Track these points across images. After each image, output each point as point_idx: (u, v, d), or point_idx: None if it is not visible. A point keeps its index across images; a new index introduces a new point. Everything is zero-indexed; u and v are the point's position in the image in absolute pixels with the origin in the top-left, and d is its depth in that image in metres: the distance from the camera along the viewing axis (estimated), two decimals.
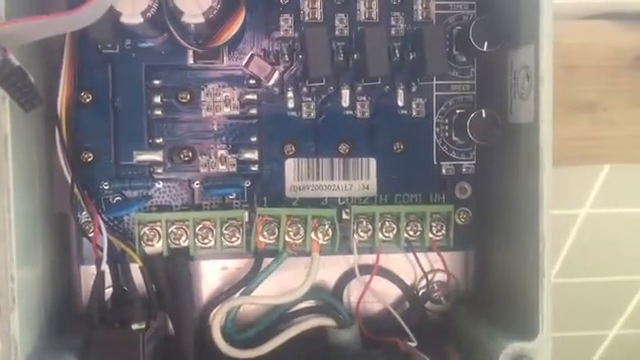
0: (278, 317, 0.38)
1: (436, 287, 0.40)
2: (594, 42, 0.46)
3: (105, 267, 0.34)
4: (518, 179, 0.34)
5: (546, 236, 0.32)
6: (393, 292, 0.40)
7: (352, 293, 0.40)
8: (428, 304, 0.40)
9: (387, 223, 0.37)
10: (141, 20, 0.31)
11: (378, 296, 0.39)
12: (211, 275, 0.39)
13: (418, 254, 0.38)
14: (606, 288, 0.62)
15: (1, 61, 0.27)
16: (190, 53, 0.36)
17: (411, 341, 0.35)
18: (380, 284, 0.39)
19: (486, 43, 0.34)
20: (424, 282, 0.40)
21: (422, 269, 0.39)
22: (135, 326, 0.33)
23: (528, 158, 0.32)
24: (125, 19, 0.31)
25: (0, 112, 0.29)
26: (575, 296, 0.61)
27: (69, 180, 0.34)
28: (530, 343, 0.32)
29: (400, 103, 0.38)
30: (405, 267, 0.40)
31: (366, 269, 0.38)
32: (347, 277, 0.39)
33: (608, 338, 0.66)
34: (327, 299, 0.38)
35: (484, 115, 0.34)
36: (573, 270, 0.60)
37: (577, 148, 0.47)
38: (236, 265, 0.39)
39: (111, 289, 0.36)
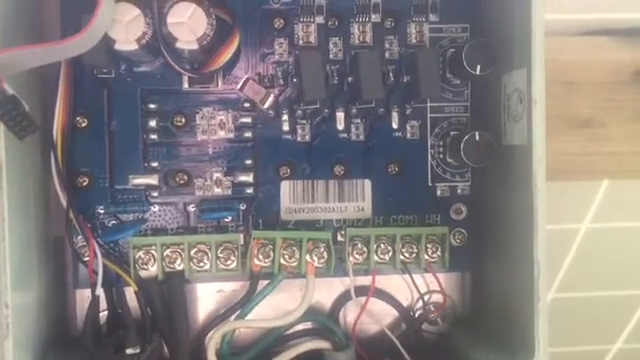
0: (274, 340, 0.38)
1: (432, 308, 0.40)
2: (592, 58, 0.46)
3: (100, 291, 0.34)
4: (512, 200, 0.34)
5: (541, 261, 0.32)
6: (389, 313, 0.40)
7: (348, 315, 0.40)
8: (425, 325, 0.40)
9: (382, 245, 0.37)
10: (136, 47, 0.31)
11: (374, 317, 0.39)
12: (207, 298, 0.39)
13: (414, 275, 0.38)
14: (608, 302, 0.62)
15: None
16: (185, 77, 0.37)
17: None
18: (376, 306, 0.39)
19: (479, 66, 0.34)
20: (420, 303, 0.40)
21: (418, 290, 0.39)
22: (129, 351, 0.33)
23: (522, 180, 0.32)
24: (120, 46, 0.31)
25: None
26: (577, 311, 0.60)
27: (65, 205, 0.34)
28: None
29: (394, 125, 0.38)
30: (401, 288, 0.40)
31: (362, 291, 0.38)
32: (343, 299, 0.39)
33: (611, 353, 0.65)
34: (323, 321, 0.38)
35: (478, 138, 0.35)
36: (574, 285, 0.59)
37: (576, 163, 0.47)
38: (232, 288, 0.39)
39: (106, 313, 0.36)
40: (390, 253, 0.37)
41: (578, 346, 0.63)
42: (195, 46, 0.31)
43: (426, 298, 0.40)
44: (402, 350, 0.36)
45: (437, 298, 0.40)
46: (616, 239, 0.59)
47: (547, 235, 0.31)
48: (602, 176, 0.53)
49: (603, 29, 0.48)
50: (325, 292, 0.39)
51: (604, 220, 0.57)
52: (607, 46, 0.47)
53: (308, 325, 0.39)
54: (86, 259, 0.35)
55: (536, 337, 0.31)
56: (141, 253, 0.35)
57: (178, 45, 0.31)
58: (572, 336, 0.61)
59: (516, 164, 0.33)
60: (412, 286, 0.39)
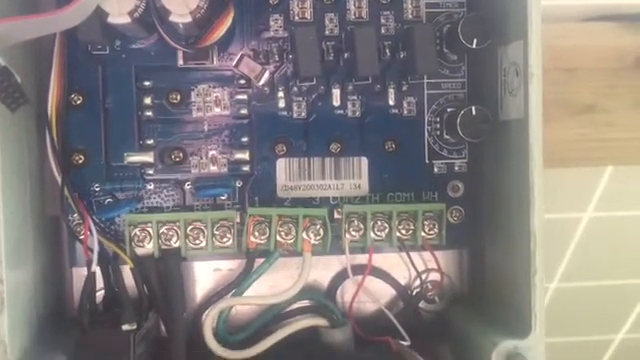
0: (271, 318, 0.38)
1: (430, 286, 0.39)
2: (594, 44, 0.46)
3: (96, 269, 0.34)
4: (509, 176, 0.34)
5: (537, 233, 0.31)
6: (386, 292, 0.40)
7: (345, 293, 0.39)
8: (422, 304, 0.40)
9: (379, 222, 0.36)
10: (128, 20, 0.31)
11: (371, 296, 0.39)
12: (203, 276, 0.39)
13: (411, 253, 0.38)
14: (611, 292, 0.61)
15: None
16: (180, 54, 0.36)
17: (404, 340, 0.35)
18: (373, 284, 0.39)
19: (475, 40, 0.34)
20: (418, 282, 0.39)
21: (415, 268, 0.39)
22: (126, 327, 0.33)
23: (519, 154, 0.32)
24: (112, 19, 0.31)
25: None
26: (579, 300, 0.60)
27: (60, 182, 0.34)
28: (523, 341, 0.32)
29: (391, 102, 0.38)
30: (398, 267, 0.40)
31: (359, 269, 0.38)
32: (340, 277, 0.39)
33: (614, 343, 0.65)
34: (319, 299, 0.38)
35: (474, 112, 0.34)
36: (577, 274, 0.59)
37: (578, 150, 0.47)
38: (228, 266, 0.39)
39: (103, 292, 0.36)
40: (387, 230, 0.37)
41: (581, 336, 0.63)
42: (188, 19, 0.31)
43: (423, 276, 0.39)
44: (400, 328, 0.36)
45: (434, 276, 0.39)
46: (619, 227, 0.58)
47: (548, 224, 0.31)
48: (605, 162, 0.52)
49: (605, 15, 0.48)
50: (322, 271, 0.39)
51: (607, 209, 0.57)
52: (609, 32, 0.47)
53: (305, 303, 0.38)
54: (82, 237, 0.35)
55: (533, 311, 0.31)
56: (137, 230, 0.35)
57: (171, 18, 0.31)
58: (575, 326, 0.61)
59: (513, 138, 0.33)
60: (409, 264, 0.39)
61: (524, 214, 0.32)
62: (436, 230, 0.37)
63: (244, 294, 0.37)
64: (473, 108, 0.34)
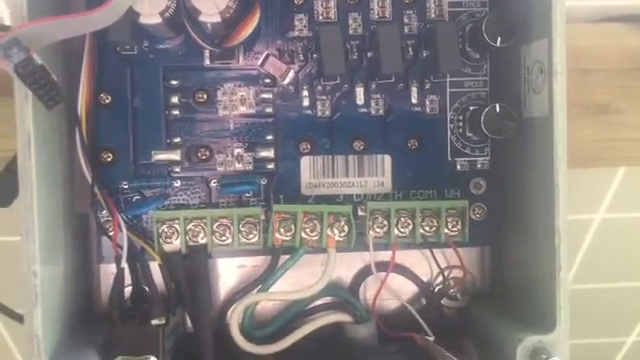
0: (295, 314, 0.38)
1: (452, 283, 0.40)
2: (607, 45, 0.47)
3: (125, 265, 0.35)
4: (533, 173, 0.34)
5: (562, 229, 0.32)
6: (409, 289, 0.40)
7: (368, 290, 0.40)
8: (444, 301, 0.40)
9: (402, 219, 0.37)
10: (159, 20, 0.31)
11: (394, 293, 0.39)
12: (228, 273, 0.39)
13: (434, 250, 0.39)
14: (623, 294, 0.61)
15: (25, 59, 0.27)
16: (207, 54, 0.37)
17: (428, 335, 0.36)
18: (396, 281, 0.39)
19: (499, 38, 0.34)
20: (440, 278, 0.40)
21: (438, 265, 0.39)
22: (155, 322, 0.34)
23: (543, 152, 0.33)
24: (144, 19, 0.31)
25: (24, 110, 0.30)
26: (591, 303, 0.60)
27: (89, 180, 0.35)
28: (548, 336, 0.32)
29: (414, 100, 0.38)
30: (421, 264, 0.40)
31: (382, 266, 0.38)
32: (363, 274, 0.39)
33: (626, 345, 0.65)
34: (343, 295, 0.39)
35: (498, 109, 0.35)
36: (589, 276, 0.59)
37: (591, 150, 0.47)
38: (253, 263, 0.39)
39: (130, 288, 0.37)
40: (410, 227, 0.37)
41: (592, 338, 0.63)
42: (218, 19, 0.32)
43: (446, 273, 0.40)
44: (423, 324, 0.37)
45: (457, 273, 0.40)
46: (632, 229, 0.58)
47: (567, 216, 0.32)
48: (619, 163, 0.52)
49: (618, 16, 0.48)
50: (345, 268, 0.40)
51: (619, 210, 0.57)
52: (622, 32, 0.47)
53: (329, 300, 0.39)
54: (111, 233, 0.36)
55: (557, 307, 0.32)
56: (165, 227, 0.36)
57: (201, 18, 0.32)
58: (587, 328, 0.61)
59: (537, 136, 0.34)
60: (432, 261, 0.39)
61: (549, 211, 0.32)
62: (459, 227, 0.37)
63: (269, 290, 0.37)
64: (497, 105, 0.35)
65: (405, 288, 0.40)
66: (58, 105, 0.30)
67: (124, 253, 0.34)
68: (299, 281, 0.38)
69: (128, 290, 0.37)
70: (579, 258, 0.60)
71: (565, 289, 0.32)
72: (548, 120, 0.32)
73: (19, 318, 0.34)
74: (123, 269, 0.35)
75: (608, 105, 0.47)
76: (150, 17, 0.31)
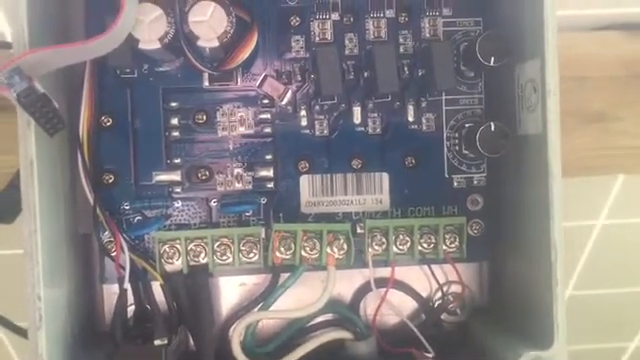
0: (296, 331, 0.39)
1: (451, 299, 0.40)
2: (604, 53, 0.47)
3: (127, 285, 0.35)
4: (529, 189, 0.35)
5: (558, 245, 0.32)
6: (409, 305, 0.40)
7: (368, 306, 0.40)
8: (444, 316, 0.40)
9: (401, 236, 0.37)
10: (159, 46, 0.32)
11: (394, 309, 0.40)
12: (230, 291, 0.40)
13: (432, 266, 0.39)
14: (624, 300, 0.61)
15: (27, 88, 0.28)
16: (205, 76, 0.37)
17: (427, 352, 0.36)
18: (396, 297, 0.40)
19: (493, 58, 0.35)
20: (439, 294, 0.40)
21: (437, 281, 0.39)
22: (158, 342, 0.34)
23: (537, 168, 0.33)
24: (143, 45, 0.32)
25: (26, 137, 0.30)
26: (593, 308, 0.60)
27: (91, 201, 0.35)
28: (546, 351, 0.32)
29: (410, 118, 0.39)
30: (420, 280, 0.40)
31: (381, 282, 0.39)
32: (363, 291, 0.40)
33: (629, 351, 0.65)
34: (344, 312, 0.39)
35: (493, 128, 0.35)
36: (590, 282, 0.60)
37: (590, 158, 0.48)
38: (254, 281, 0.40)
39: (133, 308, 0.37)
40: (409, 244, 0.37)
41: (595, 344, 0.63)
42: (216, 44, 0.32)
43: (445, 289, 0.40)
44: (423, 340, 0.37)
45: (456, 288, 0.40)
46: (632, 235, 0.58)
47: (562, 232, 0.32)
48: (617, 171, 0.53)
49: (615, 24, 0.49)
50: (345, 285, 0.40)
51: (620, 216, 0.57)
52: (619, 41, 0.48)
53: (329, 316, 0.39)
54: (113, 254, 0.36)
55: (555, 322, 0.32)
56: (166, 247, 0.36)
57: (199, 43, 0.32)
58: (588, 334, 0.61)
59: (532, 152, 0.34)
60: (431, 277, 0.40)
61: (544, 226, 0.32)
62: (457, 243, 0.38)
63: (270, 308, 0.38)
64: (492, 124, 0.35)
65: (405, 304, 0.40)
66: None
67: (126, 274, 0.35)
68: (300, 298, 0.39)
69: (131, 310, 0.37)
70: (580, 264, 0.60)
71: (562, 304, 0.32)
72: (542, 138, 0.33)
73: (23, 333, 0.35)
74: (126, 290, 0.35)
75: (605, 113, 0.48)
76: (149, 43, 0.32)
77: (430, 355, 0.36)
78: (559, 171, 0.32)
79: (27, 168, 0.31)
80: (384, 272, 0.39)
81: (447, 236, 0.38)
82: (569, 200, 0.32)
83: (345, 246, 0.37)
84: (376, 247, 0.37)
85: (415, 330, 0.38)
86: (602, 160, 0.48)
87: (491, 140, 0.35)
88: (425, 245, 0.38)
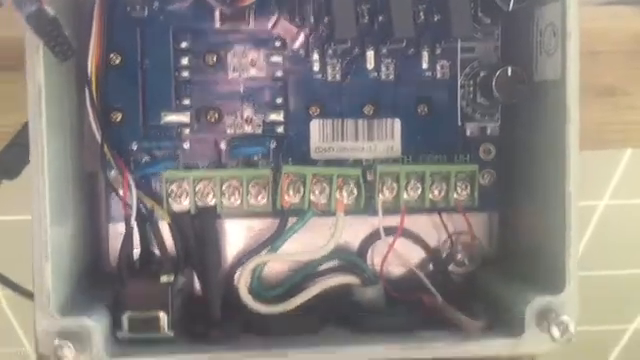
0: (303, 277, 0.38)
1: (460, 249, 0.40)
2: (615, 27, 0.47)
3: (134, 223, 0.35)
4: (543, 136, 0.34)
5: (573, 191, 0.32)
6: (417, 254, 0.40)
7: (376, 255, 0.40)
8: (452, 267, 0.40)
9: (412, 182, 0.37)
10: None
11: (402, 258, 0.39)
12: (236, 235, 0.39)
13: (443, 216, 0.39)
14: (626, 281, 0.61)
15: (37, 10, 0.27)
16: (217, 16, 0.37)
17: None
18: (404, 246, 0.39)
19: (511, 1, 0.34)
20: (448, 244, 0.40)
21: (447, 230, 0.39)
22: (164, 279, 0.34)
23: (555, 114, 0.32)
24: None
25: (35, 63, 0.30)
26: (594, 290, 0.60)
27: (99, 139, 0.35)
28: (557, 297, 0.32)
29: (424, 65, 0.38)
30: (429, 230, 0.40)
31: (390, 231, 0.38)
32: (372, 239, 0.39)
33: (628, 332, 0.65)
34: (351, 259, 0.39)
35: (510, 73, 0.35)
36: (592, 263, 0.59)
37: (599, 132, 0.47)
38: (261, 225, 0.39)
39: (139, 249, 0.37)
40: (419, 191, 0.37)
41: (594, 325, 0.63)
42: None
43: (454, 239, 0.40)
44: (431, 287, 0.37)
45: (465, 239, 0.40)
46: (636, 215, 0.58)
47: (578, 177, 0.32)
48: (627, 145, 0.52)
49: None
50: (354, 233, 0.40)
51: (625, 196, 0.56)
52: (630, 15, 0.47)
53: (336, 263, 0.39)
54: (120, 193, 0.36)
55: (567, 266, 0.32)
56: (174, 186, 0.36)
57: None
58: (588, 315, 0.61)
59: (549, 98, 0.33)
60: (440, 227, 0.39)
61: (559, 173, 0.32)
62: (468, 191, 0.37)
63: (277, 252, 0.37)
64: (509, 69, 0.35)
65: (413, 254, 0.40)
66: (68, 61, 0.30)
67: (133, 212, 0.35)
68: (307, 244, 0.38)
69: (137, 253, 0.37)
70: (582, 244, 0.60)
71: (575, 249, 0.32)
72: (561, 82, 0.32)
73: (28, 294, 0.35)
74: (132, 228, 0.35)
75: (615, 87, 0.47)
76: None
77: (439, 299, 0.35)
78: (577, 116, 0.32)
79: (35, 96, 0.30)
80: (393, 221, 0.38)
81: (458, 184, 0.37)
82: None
83: (355, 191, 0.37)
84: (386, 193, 0.37)
85: (423, 277, 0.37)
86: (612, 134, 0.48)
87: (508, 85, 0.35)
88: (436, 192, 0.37)
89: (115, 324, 0.33)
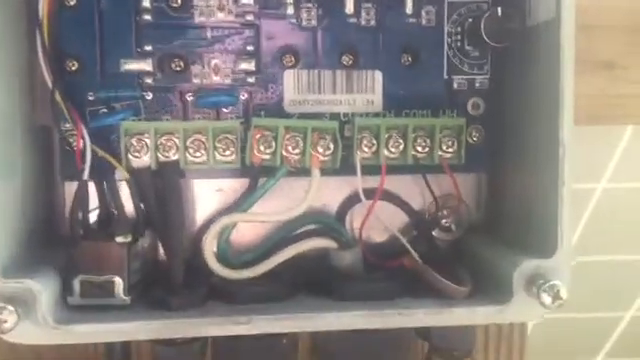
0: (277, 242, 0.36)
1: (446, 213, 0.37)
2: (610, 2, 0.45)
3: (87, 178, 0.32)
4: (536, 83, 0.31)
5: (567, 142, 0.29)
6: (399, 218, 0.37)
7: (355, 220, 0.37)
8: (437, 233, 0.37)
9: (393, 137, 0.34)
10: None
11: (383, 223, 0.37)
12: (205, 197, 0.36)
13: (427, 176, 0.36)
14: (623, 267, 0.60)
15: None
16: None
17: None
18: (386, 210, 0.37)
19: None
20: (433, 208, 0.37)
21: (431, 190, 0.36)
22: (119, 239, 0.31)
23: (548, 57, 0.30)
24: None
25: None
26: (590, 275, 0.59)
27: (50, 87, 0.32)
28: (547, 260, 0.29)
29: (408, 11, 0.35)
30: (413, 192, 0.37)
31: (371, 194, 0.35)
32: (350, 201, 0.37)
33: (624, 320, 0.64)
34: (328, 222, 0.36)
35: (500, 13, 0.32)
36: (588, 248, 0.58)
37: (596, 107, 0.46)
38: (231, 186, 0.36)
39: (97, 210, 0.34)
40: (401, 147, 0.34)
41: (590, 312, 0.62)
42: None
43: (440, 202, 0.37)
44: (413, 253, 0.34)
45: (451, 202, 0.37)
46: (634, 199, 0.57)
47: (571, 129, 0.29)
48: (625, 120, 0.51)
49: None
50: (331, 195, 0.37)
51: (622, 180, 0.55)
52: None
53: (313, 227, 0.36)
54: (74, 146, 0.33)
55: (559, 226, 0.29)
56: (133, 140, 0.33)
57: None
58: (584, 302, 0.59)
59: (542, 41, 0.31)
60: (424, 189, 0.37)
61: (552, 123, 0.29)
62: (454, 148, 0.34)
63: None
64: (499, 9, 0.32)
65: (395, 217, 0.37)
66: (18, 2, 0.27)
67: (87, 165, 0.32)
68: (281, 207, 0.35)
69: (95, 214, 0.34)
70: (579, 229, 0.58)
71: (568, 209, 0.29)
72: (555, 22, 0.29)
73: None
74: (86, 182, 0.32)
75: (613, 62, 0.46)
76: None
77: (421, 263, 0.33)
78: (572, 61, 0.29)
79: None
80: (374, 182, 0.35)
81: (444, 140, 0.34)
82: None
83: (331, 146, 0.34)
84: (365, 149, 0.34)
85: (405, 242, 0.35)
86: (611, 109, 0.46)
87: (498, 26, 0.32)
88: (419, 149, 0.34)
89: (66, 289, 0.31)
